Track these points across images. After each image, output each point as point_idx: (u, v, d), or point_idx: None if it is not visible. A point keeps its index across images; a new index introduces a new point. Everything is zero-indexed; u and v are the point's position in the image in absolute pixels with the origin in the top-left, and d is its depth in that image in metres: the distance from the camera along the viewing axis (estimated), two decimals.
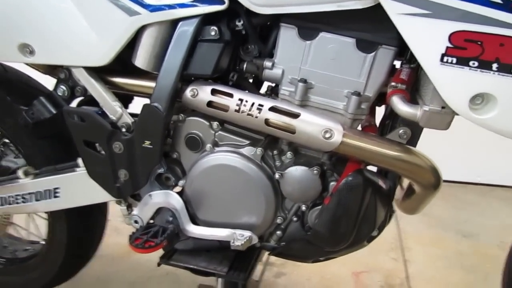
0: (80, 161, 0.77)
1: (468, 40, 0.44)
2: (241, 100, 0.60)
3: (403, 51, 0.58)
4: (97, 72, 0.69)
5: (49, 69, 0.73)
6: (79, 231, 0.94)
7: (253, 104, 0.60)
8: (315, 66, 0.60)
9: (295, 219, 0.67)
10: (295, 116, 0.58)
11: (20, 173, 0.82)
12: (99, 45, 0.65)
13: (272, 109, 0.59)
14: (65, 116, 0.70)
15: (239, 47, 0.66)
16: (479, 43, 0.44)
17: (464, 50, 0.45)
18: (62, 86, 0.71)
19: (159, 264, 0.74)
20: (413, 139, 0.62)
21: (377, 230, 0.65)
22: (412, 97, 0.57)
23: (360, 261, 1.24)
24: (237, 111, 0.61)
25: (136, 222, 0.73)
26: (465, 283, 1.18)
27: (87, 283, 1.11)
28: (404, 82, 0.56)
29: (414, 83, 0.59)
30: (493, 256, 1.30)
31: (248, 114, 0.60)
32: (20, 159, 0.91)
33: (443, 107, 0.50)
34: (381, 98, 0.64)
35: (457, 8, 0.44)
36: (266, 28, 0.67)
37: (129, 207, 0.76)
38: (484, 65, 0.44)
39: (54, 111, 0.71)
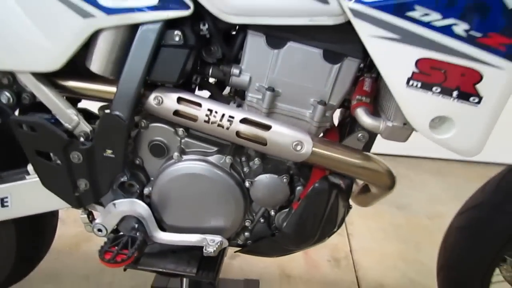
0: (30, 168, 0.71)
1: (433, 67, 0.48)
2: (210, 110, 0.60)
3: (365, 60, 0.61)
4: (47, 76, 0.63)
5: None
6: (28, 234, 0.88)
7: (223, 115, 0.59)
8: (283, 75, 0.61)
9: (262, 220, 0.70)
10: (267, 128, 0.59)
11: None
12: (49, 49, 0.59)
13: (244, 120, 0.59)
14: (13, 126, 0.63)
15: (201, 49, 0.65)
16: (443, 71, 0.48)
17: (429, 76, 0.48)
18: (6, 93, 0.63)
19: (125, 269, 0.73)
20: (370, 142, 0.67)
21: (337, 226, 0.70)
22: (374, 107, 0.61)
23: None
24: (207, 121, 0.60)
25: (99, 230, 0.71)
26: (399, 252, 1.32)
27: (37, 280, 1.06)
28: (368, 94, 0.59)
29: (376, 92, 0.62)
30: (423, 226, 1.47)
31: (219, 125, 0.59)
32: None
33: (404, 124, 0.54)
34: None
35: (425, 36, 0.47)
36: (230, 31, 0.65)
37: (90, 214, 0.73)
38: (446, 92, 0.48)
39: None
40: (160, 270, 0.72)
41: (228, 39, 0.65)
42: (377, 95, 0.62)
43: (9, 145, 0.72)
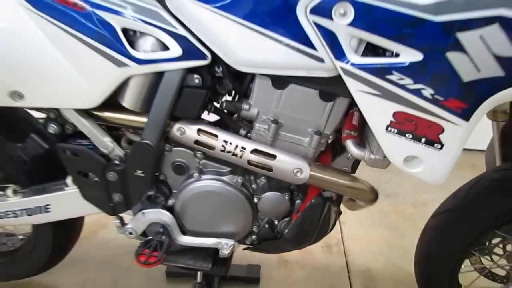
0: (69, 181, 0.84)
1: (406, 119, 0.60)
2: (225, 141, 0.72)
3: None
4: (86, 111, 0.74)
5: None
6: (62, 230, 1.02)
7: (236, 146, 0.71)
8: (285, 110, 0.72)
9: (266, 226, 0.84)
10: (273, 157, 0.71)
11: (8, 192, 0.87)
12: (88, 90, 0.70)
13: (254, 151, 0.71)
14: (59, 151, 0.75)
15: (216, 84, 0.76)
16: (414, 122, 0.60)
17: (403, 125, 0.61)
18: (53, 125, 0.75)
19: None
20: (357, 161, 0.79)
21: (329, 230, 0.84)
22: (361, 136, 0.73)
23: None
24: (223, 151, 0.72)
25: (130, 233, 0.85)
26: (386, 238, 1.47)
27: (64, 264, 1.19)
28: (355, 129, 0.71)
29: (362, 124, 0.74)
30: (408, 213, 1.62)
31: (233, 154, 0.72)
32: None
33: (384, 157, 0.67)
34: None
35: (400, 95, 0.59)
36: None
37: (121, 219, 0.87)
38: (416, 138, 0.61)
39: (46, 146, 0.76)
40: (181, 265, 0.86)
41: (238, 76, 0.76)
42: (363, 126, 0.74)
43: (50, 163, 0.85)
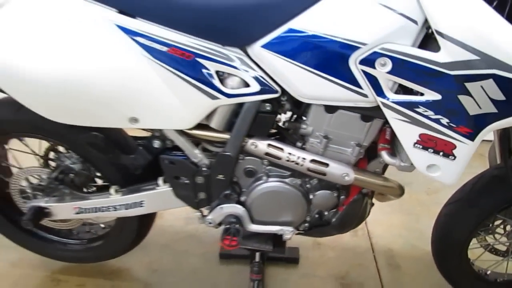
0: (160, 181, 1.08)
1: (429, 139, 0.82)
2: (289, 153, 0.95)
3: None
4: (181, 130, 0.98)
5: None
6: (144, 218, 1.25)
7: (298, 157, 0.95)
8: (334, 128, 0.94)
9: (316, 216, 1.07)
10: (325, 165, 0.94)
11: (112, 191, 1.11)
12: (187, 116, 0.93)
13: (312, 161, 0.94)
14: (161, 161, 0.99)
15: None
16: (434, 141, 0.82)
17: (426, 143, 0.83)
18: (157, 141, 0.99)
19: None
20: (386, 165, 1.02)
21: (365, 218, 1.08)
22: (391, 147, 0.96)
23: None
24: (287, 160, 0.95)
25: (210, 223, 1.09)
26: (403, 223, 1.71)
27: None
28: (388, 142, 0.94)
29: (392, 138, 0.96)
30: (422, 200, 1.85)
31: (295, 163, 0.95)
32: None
33: (411, 164, 0.90)
34: None
35: (425, 122, 0.81)
36: None
37: (201, 212, 1.11)
38: (436, 152, 0.83)
39: (150, 158, 1.00)
40: (249, 247, 1.11)
41: (298, 103, 0.97)
42: (393, 140, 0.96)
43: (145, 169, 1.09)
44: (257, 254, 1.23)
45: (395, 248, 1.58)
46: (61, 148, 1.18)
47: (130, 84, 0.88)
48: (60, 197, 1.18)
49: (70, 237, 1.38)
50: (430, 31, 0.77)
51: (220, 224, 1.10)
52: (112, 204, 1.12)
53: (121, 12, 0.85)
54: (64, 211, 1.17)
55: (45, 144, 1.18)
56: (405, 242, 1.62)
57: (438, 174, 0.86)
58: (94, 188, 1.22)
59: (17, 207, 1.32)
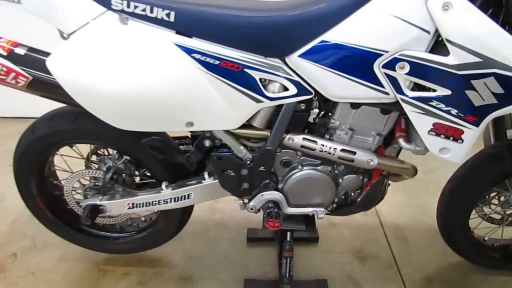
0: (206, 175, 1.24)
1: (441, 126, 1.00)
2: (322, 145, 1.12)
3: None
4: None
5: None
6: (185, 210, 1.41)
7: (330, 147, 1.11)
8: (358, 121, 1.11)
9: (342, 197, 1.25)
10: (353, 153, 1.12)
11: (163, 186, 1.26)
12: (235, 118, 1.08)
13: (342, 150, 1.11)
14: (212, 158, 1.15)
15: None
16: (445, 128, 1.00)
17: (439, 130, 1.01)
18: (208, 140, 1.14)
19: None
20: (399, 150, 1.20)
21: (384, 197, 1.27)
22: (407, 134, 1.13)
23: None
24: (320, 151, 1.12)
25: (251, 209, 1.25)
26: (406, 200, 1.91)
27: None
28: (404, 130, 1.12)
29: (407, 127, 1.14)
30: (420, 179, 2.02)
31: (328, 153, 1.12)
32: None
33: (425, 148, 1.08)
34: None
35: (437, 113, 0.99)
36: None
37: (243, 200, 1.27)
38: (447, 137, 1.01)
39: (202, 156, 1.16)
40: (285, 228, 1.28)
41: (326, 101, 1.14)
42: (408, 129, 1.14)
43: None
44: (288, 234, 1.39)
45: (401, 223, 1.79)
46: (101, 151, 1.33)
47: (188, 93, 1.03)
48: (112, 195, 1.32)
49: (116, 231, 1.53)
50: (440, 38, 0.95)
51: (259, 210, 1.26)
52: (163, 198, 1.27)
53: (178, 32, 0.99)
54: (118, 207, 1.31)
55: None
56: (410, 217, 1.82)
57: (448, 155, 1.05)
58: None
59: (68, 210, 1.46)
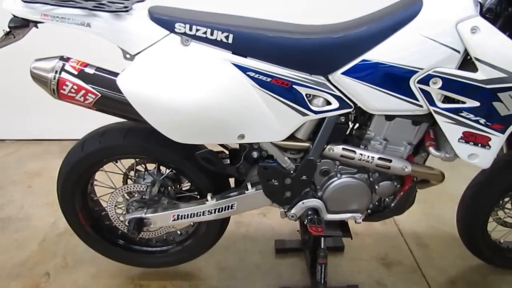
0: (249, 186, 1.32)
1: (470, 134, 1.12)
2: (361, 154, 1.22)
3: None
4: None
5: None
6: (224, 220, 1.49)
7: (368, 156, 1.22)
8: (391, 132, 1.23)
9: (376, 203, 1.35)
10: (389, 161, 1.22)
11: (208, 197, 1.33)
12: (281, 130, 1.18)
13: (379, 158, 1.22)
14: (259, 168, 1.24)
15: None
16: (474, 136, 1.12)
17: (468, 138, 1.13)
18: (255, 152, 1.23)
19: (305, 236, 1.38)
20: (426, 158, 1.32)
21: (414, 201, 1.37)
22: (436, 144, 1.25)
23: None
24: (359, 160, 1.22)
25: (292, 217, 1.33)
26: (421, 210, 2.02)
27: None
28: (433, 140, 1.23)
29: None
30: (432, 190, 2.13)
31: (366, 161, 1.22)
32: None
33: (454, 155, 1.19)
34: None
35: (467, 123, 1.11)
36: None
37: (283, 209, 1.35)
38: (475, 144, 1.13)
39: (249, 166, 1.25)
40: (323, 234, 1.36)
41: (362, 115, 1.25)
42: (436, 138, 1.25)
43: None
44: (322, 242, 1.47)
45: (420, 231, 1.88)
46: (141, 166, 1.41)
47: (242, 107, 1.13)
48: (155, 208, 1.39)
49: (153, 245, 1.58)
50: (468, 57, 1.08)
51: (299, 217, 1.34)
52: (208, 209, 1.34)
53: (235, 53, 1.10)
54: (163, 219, 1.37)
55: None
56: (427, 225, 1.92)
57: (477, 160, 1.16)
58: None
59: (106, 226, 1.52)
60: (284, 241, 1.79)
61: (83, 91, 1.09)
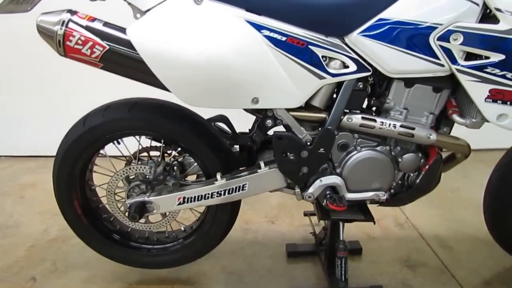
0: (262, 164, 1.22)
1: (497, 92, 1.06)
2: (382, 122, 1.15)
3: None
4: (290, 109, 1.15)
5: (255, 110, 1.17)
6: (234, 208, 1.37)
7: (389, 124, 1.14)
8: (412, 101, 1.16)
9: (399, 182, 1.25)
10: (412, 128, 1.15)
11: (218, 177, 1.23)
12: (297, 95, 1.11)
13: (401, 126, 1.14)
14: (273, 137, 1.15)
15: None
16: (502, 93, 1.06)
17: (495, 96, 1.06)
18: (269, 120, 1.16)
19: (323, 220, 1.26)
20: (450, 131, 1.24)
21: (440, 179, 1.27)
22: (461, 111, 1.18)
23: (376, 213, 1.86)
24: (380, 128, 1.15)
25: (309, 197, 1.22)
26: (440, 214, 1.90)
27: (201, 258, 1.46)
28: (456, 107, 1.17)
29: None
30: (447, 197, 2.06)
31: (387, 130, 1.15)
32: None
33: (481, 119, 1.12)
34: None
35: (493, 79, 1.05)
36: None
37: (299, 188, 1.24)
38: (504, 102, 1.07)
39: (264, 136, 1.16)
40: (346, 218, 1.24)
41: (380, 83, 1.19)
42: (460, 107, 1.19)
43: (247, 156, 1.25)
44: (341, 232, 1.34)
45: (442, 234, 1.75)
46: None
47: (256, 67, 1.07)
48: (159, 192, 1.28)
49: (150, 242, 1.44)
50: (488, 10, 1.05)
51: (316, 199, 1.23)
52: (217, 190, 1.23)
53: (249, 10, 1.07)
54: (167, 202, 1.25)
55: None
56: (448, 229, 1.79)
57: (507, 121, 1.09)
58: None
59: (104, 219, 1.39)
60: (296, 244, 1.64)
61: (90, 43, 1.03)
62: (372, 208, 1.29)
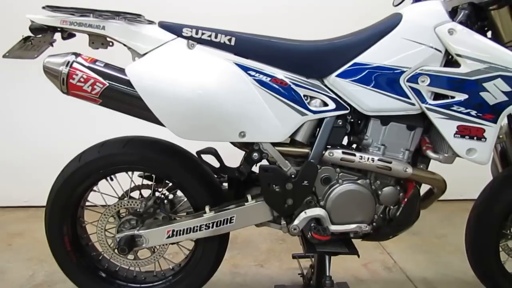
0: (249, 197, 1.27)
1: (464, 128, 1.16)
2: (361, 156, 1.23)
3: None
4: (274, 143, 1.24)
5: (243, 145, 1.25)
6: (222, 240, 1.38)
7: (368, 158, 1.22)
8: (388, 138, 1.25)
9: (381, 216, 1.30)
10: (390, 162, 1.22)
11: (206, 209, 1.27)
12: (281, 130, 1.20)
13: (379, 159, 1.22)
14: (260, 170, 1.22)
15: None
16: (469, 129, 1.16)
17: (463, 132, 1.16)
18: (256, 153, 1.23)
19: (309, 253, 1.28)
20: (426, 168, 1.32)
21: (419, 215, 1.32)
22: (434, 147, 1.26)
23: (364, 257, 1.88)
24: (359, 162, 1.22)
25: (295, 229, 1.26)
26: (427, 259, 1.90)
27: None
28: (429, 143, 1.26)
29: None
30: (434, 243, 2.08)
31: (366, 164, 1.22)
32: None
33: (453, 154, 1.21)
34: None
35: (459, 117, 1.15)
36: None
37: (285, 222, 1.28)
38: (471, 138, 1.16)
39: (250, 168, 1.23)
40: (331, 251, 1.27)
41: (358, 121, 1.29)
42: (433, 144, 1.28)
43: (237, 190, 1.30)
44: (327, 268, 1.34)
45: (430, 277, 1.75)
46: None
47: (243, 104, 1.17)
48: (148, 225, 1.31)
49: (138, 281, 1.43)
50: (450, 56, 1.18)
51: (301, 231, 1.27)
52: (206, 222, 1.26)
53: (237, 54, 1.19)
54: (157, 236, 1.28)
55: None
56: (436, 272, 1.79)
57: (475, 155, 1.18)
58: None
59: (93, 257, 1.40)
60: (285, 286, 1.63)
61: (91, 81, 1.13)
62: (360, 251, 1.31)
